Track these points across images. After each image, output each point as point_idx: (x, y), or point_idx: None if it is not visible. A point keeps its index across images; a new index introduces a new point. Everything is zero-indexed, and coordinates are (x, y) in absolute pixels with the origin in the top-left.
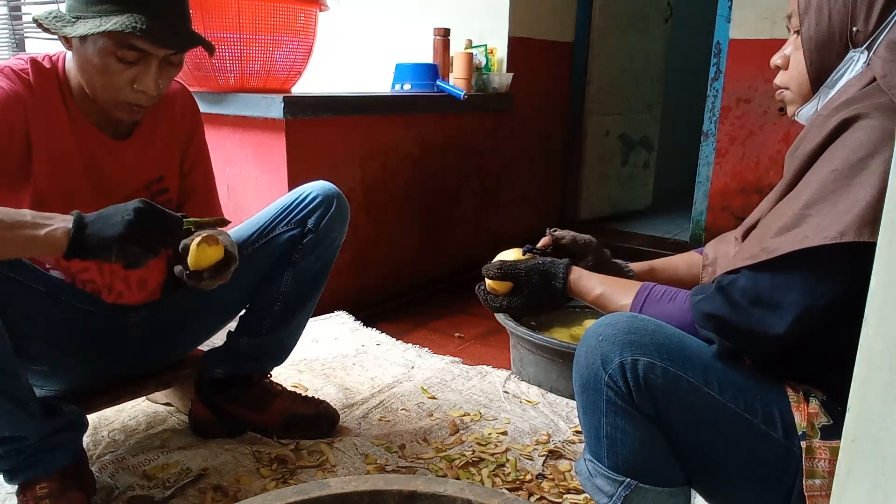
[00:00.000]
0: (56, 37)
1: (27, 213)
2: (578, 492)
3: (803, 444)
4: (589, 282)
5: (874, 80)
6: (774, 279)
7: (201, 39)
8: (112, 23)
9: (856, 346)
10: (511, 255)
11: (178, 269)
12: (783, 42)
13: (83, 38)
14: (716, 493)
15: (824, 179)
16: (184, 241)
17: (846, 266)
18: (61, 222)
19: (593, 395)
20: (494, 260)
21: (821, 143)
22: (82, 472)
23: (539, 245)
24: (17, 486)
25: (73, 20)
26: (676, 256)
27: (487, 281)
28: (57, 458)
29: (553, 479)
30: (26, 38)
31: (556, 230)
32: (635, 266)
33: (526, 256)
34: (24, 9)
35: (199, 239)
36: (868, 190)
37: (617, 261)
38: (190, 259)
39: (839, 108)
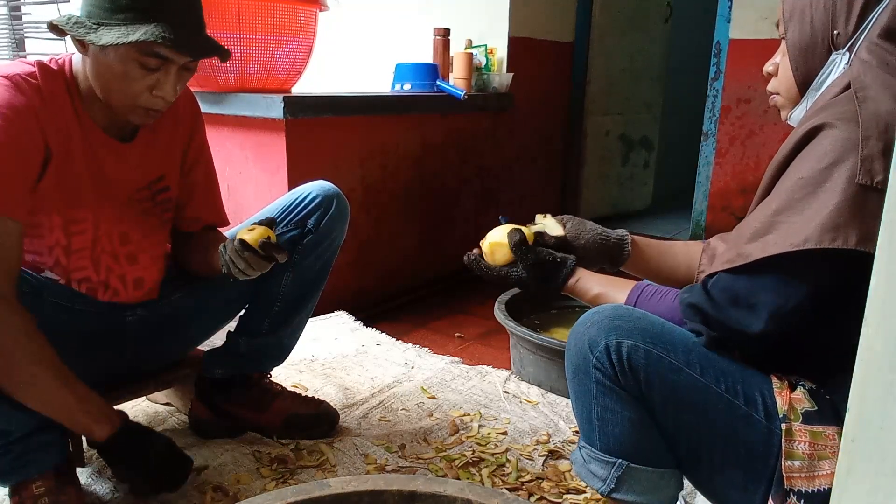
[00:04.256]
0: (62, 38)
1: (79, 397)
2: (578, 492)
3: (784, 426)
4: (587, 282)
5: (850, 84)
6: (749, 282)
7: (220, 47)
8: (141, 32)
9: (836, 342)
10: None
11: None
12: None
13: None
14: (702, 476)
15: (792, 188)
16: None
17: (813, 269)
18: (101, 426)
19: (583, 379)
20: (511, 228)
21: (790, 151)
22: (74, 472)
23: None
24: (9, 489)
25: (95, 26)
26: (678, 241)
27: (486, 244)
28: (49, 456)
29: (553, 479)
30: (26, 38)
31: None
32: (633, 237)
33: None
34: (25, 9)
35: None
36: (831, 198)
37: (616, 230)
38: (248, 236)
39: (809, 117)
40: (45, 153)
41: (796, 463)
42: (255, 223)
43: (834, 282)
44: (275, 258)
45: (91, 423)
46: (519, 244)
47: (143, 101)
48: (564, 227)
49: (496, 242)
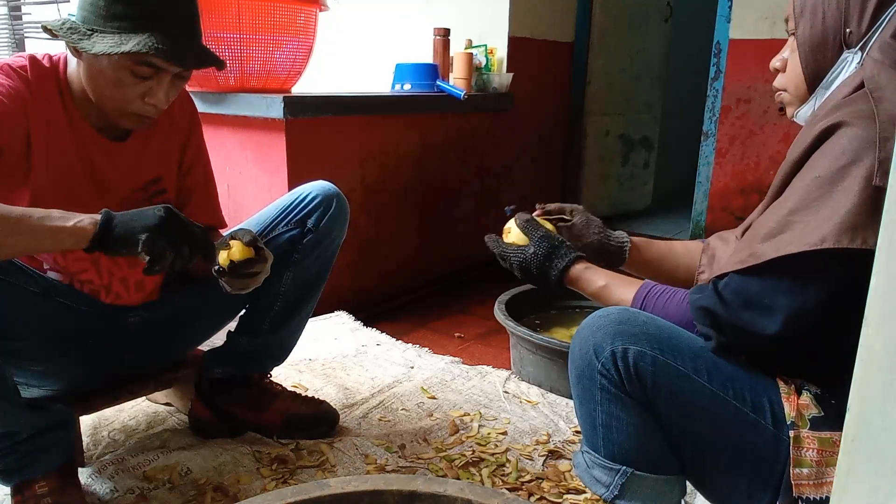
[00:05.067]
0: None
1: (54, 210)
2: (578, 492)
3: (791, 433)
4: (594, 273)
5: (863, 84)
6: (763, 283)
7: (215, 57)
8: (133, 43)
9: (845, 345)
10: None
11: (214, 269)
12: (783, 42)
13: None
14: (707, 482)
15: (808, 186)
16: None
17: (828, 270)
18: (89, 216)
19: (588, 385)
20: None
21: (805, 150)
22: (76, 473)
23: (533, 216)
24: (11, 489)
25: (89, 33)
26: (678, 241)
27: (504, 231)
28: (52, 456)
29: (553, 479)
30: (26, 38)
31: (544, 204)
32: (633, 239)
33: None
34: (25, 9)
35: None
36: (849, 197)
37: (617, 232)
38: (221, 256)
39: (824, 115)
40: (25, 138)
41: (805, 470)
42: (231, 235)
43: (849, 283)
44: (251, 274)
45: (79, 221)
46: (528, 221)
47: (135, 108)
48: (573, 218)
49: (509, 227)
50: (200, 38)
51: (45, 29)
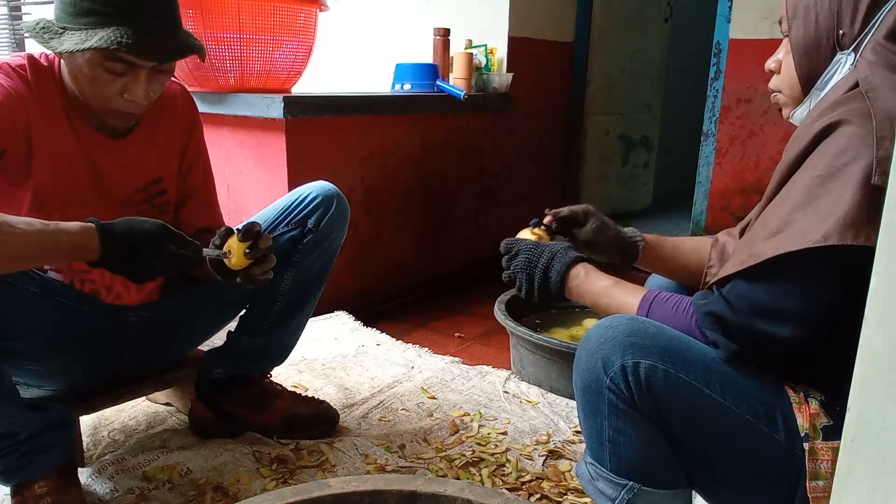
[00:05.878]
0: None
1: (49, 223)
2: (579, 492)
3: (806, 445)
4: (597, 275)
5: (857, 85)
6: (768, 284)
7: (189, 49)
8: (97, 38)
9: (850, 346)
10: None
11: (236, 281)
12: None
13: None
14: (718, 496)
15: (808, 184)
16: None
17: (831, 267)
18: (86, 237)
19: (594, 399)
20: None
21: (804, 149)
22: (76, 472)
23: (545, 222)
24: (11, 489)
25: (61, 31)
26: (687, 237)
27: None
28: (52, 455)
29: (553, 479)
30: (26, 38)
31: (557, 210)
32: (644, 235)
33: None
34: (25, 9)
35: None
36: (850, 194)
37: (627, 228)
38: (234, 261)
39: (822, 115)
40: (26, 138)
41: (821, 483)
42: (222, 238)
43: (853, 281)
44: (268, 260)
45: (80, 240)
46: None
47: (116, 105)
48: (588, 223)
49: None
50: (175, 30)
51: (25, 30)
